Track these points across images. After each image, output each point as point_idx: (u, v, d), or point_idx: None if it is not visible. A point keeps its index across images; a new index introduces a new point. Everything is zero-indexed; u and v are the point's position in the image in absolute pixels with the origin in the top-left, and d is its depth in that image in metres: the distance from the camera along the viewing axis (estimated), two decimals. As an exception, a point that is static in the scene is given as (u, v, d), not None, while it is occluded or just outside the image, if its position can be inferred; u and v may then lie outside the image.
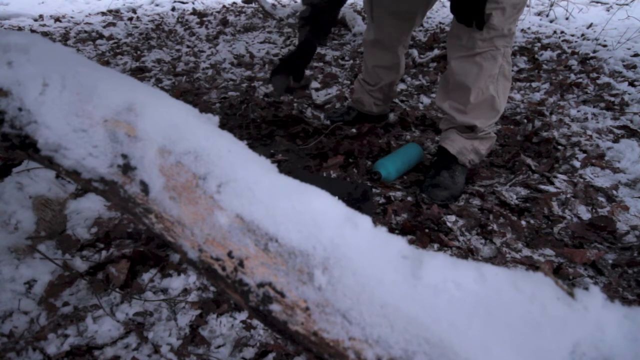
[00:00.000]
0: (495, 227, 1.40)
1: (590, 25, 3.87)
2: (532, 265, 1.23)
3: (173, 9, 5.25)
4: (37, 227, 1.21)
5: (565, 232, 1.38)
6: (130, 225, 1.31)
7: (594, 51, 3.13)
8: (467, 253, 1.28)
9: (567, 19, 4.09)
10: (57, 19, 4.50)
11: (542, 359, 0.39)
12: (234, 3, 5.64)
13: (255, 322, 1.04)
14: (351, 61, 3.14)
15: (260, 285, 0.47)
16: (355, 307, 0.43)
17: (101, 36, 3.88)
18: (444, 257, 0.47)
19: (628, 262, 1.24)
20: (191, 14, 4.97)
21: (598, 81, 2.63)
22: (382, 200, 1.52)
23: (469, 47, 1.43)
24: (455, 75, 1.50)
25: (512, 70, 2.88)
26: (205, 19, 4.65)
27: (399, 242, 0.49)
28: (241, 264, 0.48)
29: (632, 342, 0.39)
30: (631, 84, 2.57)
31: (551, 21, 4.12)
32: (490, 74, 1.45)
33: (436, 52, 3.15)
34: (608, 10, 4.37)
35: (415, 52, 3.10)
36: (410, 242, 1.22)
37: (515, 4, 1.36)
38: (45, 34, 3.83)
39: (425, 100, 2.44)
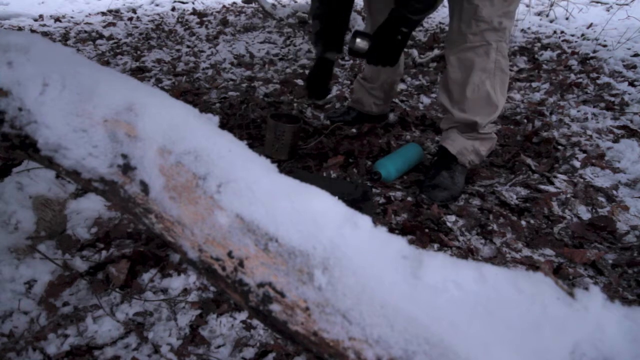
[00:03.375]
0: (495, 227, 1.40)
1: (590, 25, 3.87)
2: (532, 265, 1.23)
3: (173, 9, 5.25)
4: (37, 227, 1.21)
5: (565, 232, 1.38)
6: (130, 225, 1.31)
7: (594, 51, 3.13)
8: (467, 253, 1.28)
9: (567, 19, 4.09)
10: (57, 19, 4.49)
11: (542, 359, 0.39)
12: (234, 3, 5.64)
13: (255, 322, 1.04)
14: (351, 61, 3.14)
15: (260, 285, 0.47)
16: (355, 307, 0.43)
17: (101, 36, 3.88)
18: (444, 257, 0.47)
19: (628, 262, 1.24)
20: (191, 14, 4.97)
21: (598, 81, 2.63)
22: (382, 200, 1.52)
23: (460, 42, 1.45)
24: (450, 71, 1.51)
25: (512, 70, 2.89)
26: (205, 19, 4.65)
27: (399, 242, 0.49)
28: (241, 264, 0.48)
29: (632, 342, 0.39)
30: (631, 84, 2.57)
31: (551, 21, 4.12)
32: (483, 69, 1.45)
33: (436, 52, 3.14)
34: (608, 10, 4.37)
35: (415, 52, 3.10)
36: (410, 242, 1.22)
37: None
38: (45, 34, 3.83)
39: (425, 100, 2.44)
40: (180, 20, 4.65)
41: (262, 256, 0.48)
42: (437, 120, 2.14)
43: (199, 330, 1.02)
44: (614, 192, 1.58)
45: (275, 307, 0.46)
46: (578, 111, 2.24)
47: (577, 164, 1.75)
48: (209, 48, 3.53)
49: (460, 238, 1.35)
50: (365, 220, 0.50)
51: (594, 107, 2.29)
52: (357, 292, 0.44)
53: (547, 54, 3.13)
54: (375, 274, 0.44)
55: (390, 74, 1.92)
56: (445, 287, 0.43)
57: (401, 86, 2.64)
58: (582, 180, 1.65)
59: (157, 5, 5.47)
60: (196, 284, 1.13)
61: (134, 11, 5.04)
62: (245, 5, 5.40)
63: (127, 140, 0.56)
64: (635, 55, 3.04)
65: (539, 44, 3.39)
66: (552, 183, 1.63)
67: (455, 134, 1.57)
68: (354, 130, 2.01)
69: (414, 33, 3.62)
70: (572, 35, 3.64)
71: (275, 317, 0.46)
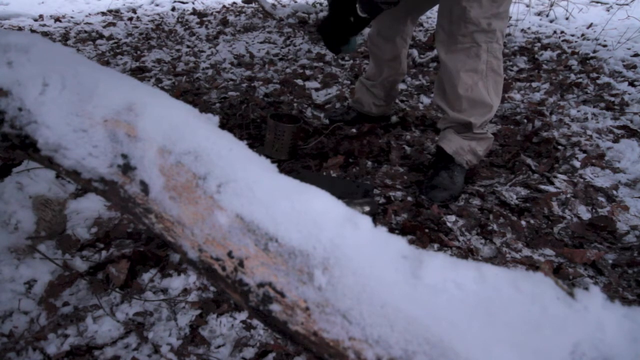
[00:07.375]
0: (495, 227, 1.39)
1: (590, 25, 3.87)
2: (532, 265, 1.23)
3: (173, 9, 5.25)
4: (37, 227, 1.21)
5: (565, 232, 1.38)
6: (130, 225, 1.31)
7: (594, 51, 3.12)
8: (467, 253, 1.28)
9: (567, 19, 4.09)
10: (57, 19, 4.49)
11: (542, 359, 0.39)
12: (234, 3, 5.64)
13: (255, 322, 1.04)
14: (351, 61, 3.14)
15: (260, 285, 0.47)
16: (355, 307, 0.43)
17: (101, 36, 3.88)
18: (444, 257, 0.47)
19: (628, 262, 1.24)
20: (191, 14, 4.97)
21: (598, 81, 2.63)
22: (382, 200, 1.52)
23: (451, 44, 1.45)
24: (443, 72, 1.52)
25: (512, 70, 2.88)
26: (205, 19, 4.65)
27: (399, 242, 0.49)
28: (241, 264, 0.48)
29: (632, 342, 0.39)
30: (631, 84, 2.57)
31: (551, 21, 4.12)
32: (474, 70, 1.45)
33: (436, 52, 3.14)
34: (608, 10, 4.37)
35: (415, 52, 3.10)
36: (410, 242, 1.22)
37: None
38: (45, 34, 3.83)
39: (425, 100, 2.44)
40: (180, 20, 4.65)
41: (262, 256, 0.48)
42: (437, 120, 2.14)
43: (199, 330, 1.02)
44: (614, 192, 1.58)
45: (275, 307, 0.46)
46: (578, 111, 2.24)
47: (577, 164, 1.75)
48: (209, 48, 3.53)
49: (460, 238, 1.35)
50: (365, 220, 0.50)
51: (594, 107, 2.29)
52: (357, 292, 0.44)
53: (547, 54, 3.13)
54: (375, 274, 0.44)
55: (393, 72, 1.92)
56: (445, 287, 0.43)
57: (401, 86, 2.63)
58: (582, 180, 1.65)
59: (157, 5, 5.47)
60: (196, 284, 1.13)
61: (134, 11, 5.04)
62: (245, 5, 5.40)
63: (127, 140, 0.56)
64: (635, 55, 3.04)
65: (539, 44, 3.38)
66: (552, 183, 1.63)
67: (451, 134, 1.58)
68: (354, 130, 2.01)
69: (413, 33, 3.62)
70: (572, 35, 3.64)
71: (275, 317, 0.46)
